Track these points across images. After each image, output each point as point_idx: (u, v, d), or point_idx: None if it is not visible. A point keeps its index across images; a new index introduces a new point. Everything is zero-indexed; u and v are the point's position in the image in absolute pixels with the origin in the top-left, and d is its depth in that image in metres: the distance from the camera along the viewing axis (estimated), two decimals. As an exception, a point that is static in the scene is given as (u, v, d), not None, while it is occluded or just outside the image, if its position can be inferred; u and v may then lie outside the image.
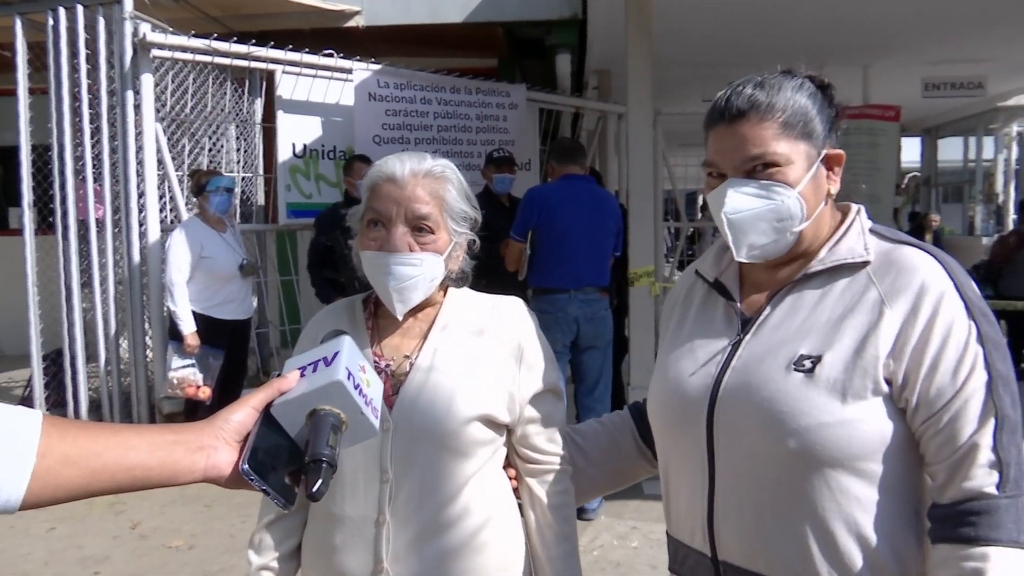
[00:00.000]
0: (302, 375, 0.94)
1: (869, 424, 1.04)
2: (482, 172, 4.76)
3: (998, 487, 0.99)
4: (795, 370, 1.07)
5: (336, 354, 0.95)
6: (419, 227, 1.26)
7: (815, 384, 1.06)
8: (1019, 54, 7.36)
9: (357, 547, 1.25)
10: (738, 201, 1.12)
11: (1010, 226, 9.89)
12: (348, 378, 0.92)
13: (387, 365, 1.30)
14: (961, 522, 1.00)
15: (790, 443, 1.05)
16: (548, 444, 1.36)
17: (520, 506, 1.40)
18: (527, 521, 1.38)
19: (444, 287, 1.36)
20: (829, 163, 1.16)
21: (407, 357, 1.30)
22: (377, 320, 1.36)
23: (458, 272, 1.34)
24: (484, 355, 1.30)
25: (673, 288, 1.38)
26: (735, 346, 1.16)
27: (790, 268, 1.18)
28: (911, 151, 13.51)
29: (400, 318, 1.29)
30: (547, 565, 1.35)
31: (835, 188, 1.16)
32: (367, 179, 1.31)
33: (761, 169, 1.11)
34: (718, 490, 1.14)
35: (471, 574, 1.27)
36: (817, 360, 1.07)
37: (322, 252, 4.70)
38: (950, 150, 13.35)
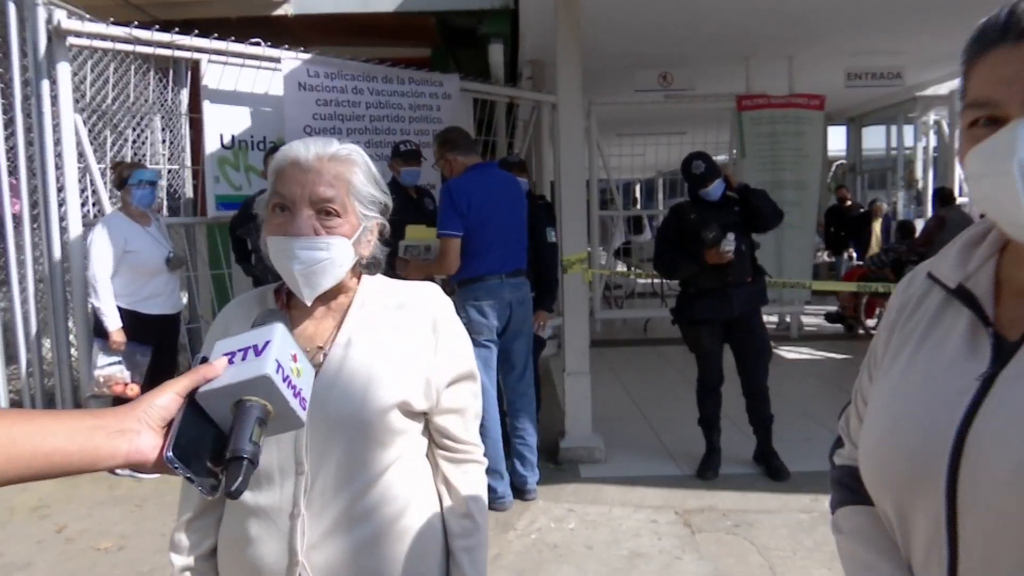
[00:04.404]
0: (230, 362, 0.91)
1: None
2: (389, 164, 4.72)
3: None
4: None
5: (267, 343, 0.92)
6: (325, 210, 1.22)
7: None
8: (932, 46, 7.69)
9: (272, 539, 1.23)
10: None
11: (930, 211, 10.27)
12: (277, 371, 0.89)
13: None
14: None
15: None
16: (464, 433, 1.35)
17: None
18: (442, 509, 1.37)
19: (357, 274, 1.33)
20: None
21: (321, 348, 1.27)
22: (290, 310, 1.31)
23: (370, 258, 1.32)
24: (400, 342, 1.28)
25: (893, 294, 1.02)
26: (987, 381, 0.81)
27: None
28: (838, 140, 13.93)
29: (308, 303, 1.26)
30: (453, 556, 1.34)
31: None
32: (273, 164, 1.27)
33: None
34: (962, 565, 0.82)
35: (390, 561, 1.26)
36: None
37: (239, 245, 4.62)
38: (874, 138, 13.79)
